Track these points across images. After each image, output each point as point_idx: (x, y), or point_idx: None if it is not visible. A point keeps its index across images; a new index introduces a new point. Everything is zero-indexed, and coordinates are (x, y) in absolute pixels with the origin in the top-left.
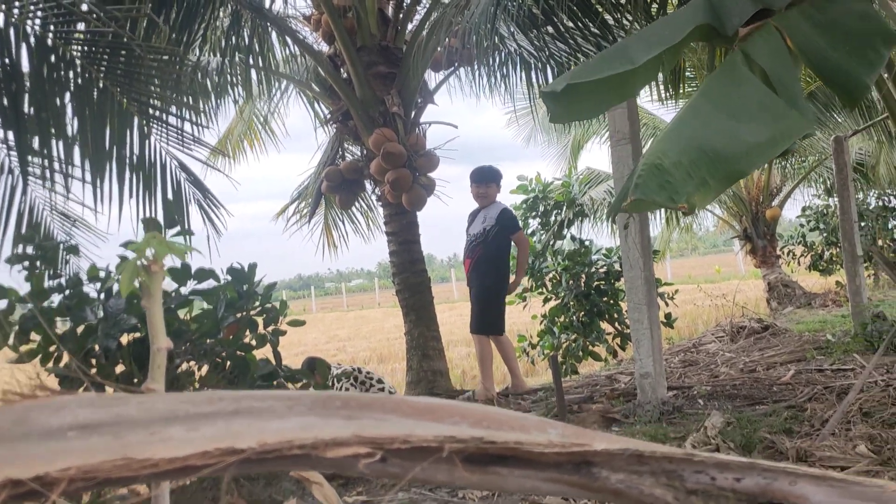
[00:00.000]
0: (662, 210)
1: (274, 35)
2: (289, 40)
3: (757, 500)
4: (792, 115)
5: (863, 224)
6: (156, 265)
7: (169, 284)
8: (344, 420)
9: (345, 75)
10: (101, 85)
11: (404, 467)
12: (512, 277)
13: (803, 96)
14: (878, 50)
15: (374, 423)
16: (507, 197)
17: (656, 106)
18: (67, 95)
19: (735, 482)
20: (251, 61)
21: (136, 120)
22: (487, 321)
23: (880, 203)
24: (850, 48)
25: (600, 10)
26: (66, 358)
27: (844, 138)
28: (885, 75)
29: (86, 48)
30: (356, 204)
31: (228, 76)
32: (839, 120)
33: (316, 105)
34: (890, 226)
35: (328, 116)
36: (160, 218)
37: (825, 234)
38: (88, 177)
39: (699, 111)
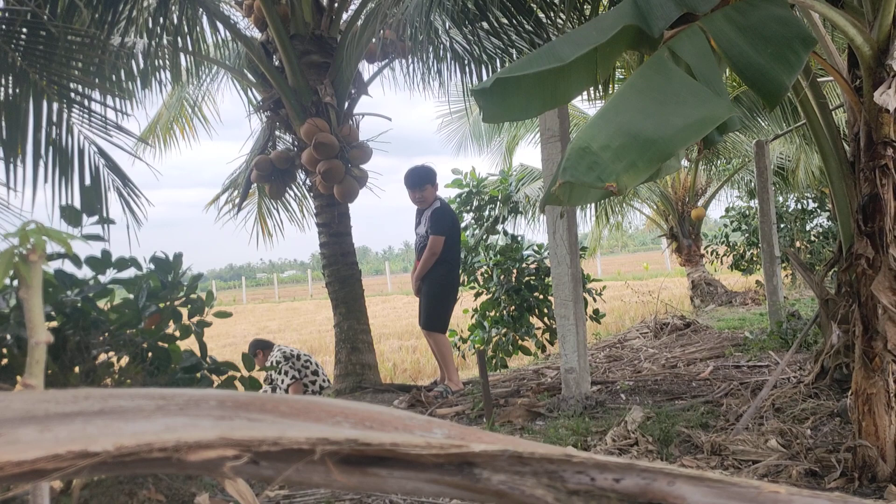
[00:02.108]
0: (593, 207)
1: (205, 19)
2: (220, 25)
3: (637, 499)
4: (717, 100)
5: (782, 226)
6: (34, 254)
7: (87, 273)
8: (214, 421)
9: (277, 63)
10: (17, 65)
11: (276, 469)
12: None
13: (726, 90)
14: (798, 52)
15: (247, 424)
16: (443, 191)
17: (587, 105)
18: None
19: (614, 482)
20: (180, 44)
21: (55, 103)
22: (437, 318)
23: (799, 206)
24: (771, 51)
25: (534, 7)
26: None
27: (766, 142)
28: (804, 82)
29: (3, 27)
30: (290, 192)
31: (156, 60)
32: (763, 125)
33: (249, 92)
34: (807, 228)
35: (260, 104)
36: (77, 205)
37: (747, 235)
38: (1, 155)
39: (627, 99)
